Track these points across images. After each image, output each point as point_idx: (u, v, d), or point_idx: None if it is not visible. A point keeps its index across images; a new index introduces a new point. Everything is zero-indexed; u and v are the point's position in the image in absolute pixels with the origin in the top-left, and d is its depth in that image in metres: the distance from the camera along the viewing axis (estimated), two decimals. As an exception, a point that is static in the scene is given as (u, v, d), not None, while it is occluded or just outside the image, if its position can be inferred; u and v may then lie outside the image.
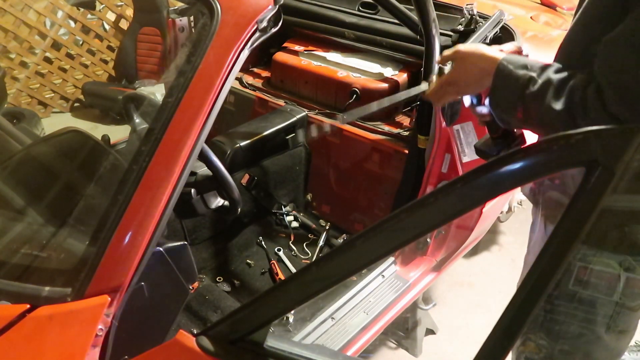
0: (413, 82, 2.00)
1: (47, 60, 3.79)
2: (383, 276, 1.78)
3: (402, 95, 1.20)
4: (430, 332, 2.19)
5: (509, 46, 1.06)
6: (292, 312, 1.60)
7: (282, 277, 1.87)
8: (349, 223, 2.13)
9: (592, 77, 0.78)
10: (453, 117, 1.62)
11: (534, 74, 0.84)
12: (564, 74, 0.82)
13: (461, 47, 0.98)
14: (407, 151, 1.83)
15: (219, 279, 1.86)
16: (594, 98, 0.76)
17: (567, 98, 0.79)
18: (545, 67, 0.85)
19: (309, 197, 2.23)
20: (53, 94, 3.84)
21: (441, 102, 1.11)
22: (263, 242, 2.04)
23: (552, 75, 0.83)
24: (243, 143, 1.87)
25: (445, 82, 1.01)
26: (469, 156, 1.70)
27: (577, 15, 0.91)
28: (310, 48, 2.19)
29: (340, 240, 2.07)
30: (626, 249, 0.87)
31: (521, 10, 2.45)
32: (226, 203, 1.26)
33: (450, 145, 1.68)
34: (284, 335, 1.56)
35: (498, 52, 0.94)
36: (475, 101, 1.07)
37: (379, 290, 1.73)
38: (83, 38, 3.87)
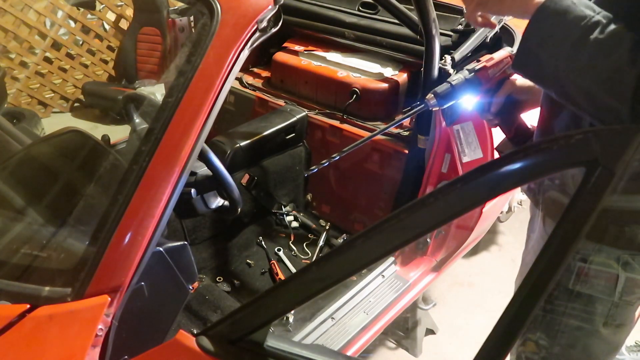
0: (413, 82, 2.00)
1: (47, 60, 3.79)
2: (383, 276, 1.78)
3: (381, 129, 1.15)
4: (430, 332, 2.19)
5: (501, 53, 1.06)
6: (292, 312, 1.60)
7: (282, 277, 1.87)
8: (349, 223, 2.13)
9: None
10: (453, 117, 1.62)
11: (603, 20, 0.73)
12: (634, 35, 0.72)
13: None
14: (407, 151, 1.83)
15: (219, 279, 1.86)
16: None
17: None
18: (609, 16, 0.74)
19: (309, 197, 2.24)
20: (53, 94, 3.85)
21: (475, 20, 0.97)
22: (263, 242, 2.04)
23: (624, 29, 0.72)
24: (243, 143, 1.87)
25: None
26: (469, 156, 1.70)
27: None
28: (310, 48, 2.19)
29: (340, 240, 2.07)
30: (625, 247, 0.87)
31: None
32: (226, 203, 1.26)
33: (450, 145, 1.68)
34: (284, 335, 1.56)
35: None
36: (483, 107, 1.07)
37: (379, 290, 1.73)
38: (83, 38, 3.87)
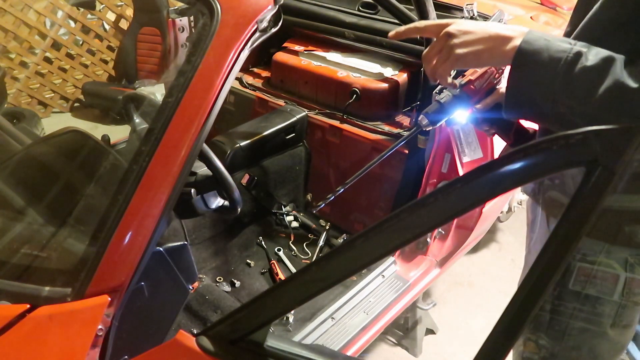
0: (413, 82, 2.00)
1: (47, 60, 3.79)
2: (383, 276, 1.78)
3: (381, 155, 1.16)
4: (430, 332, 2.19)
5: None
6: (292, 312, 1.60)
7: (282, 277, 1.87)
8: (349, 223, 2.13)
9: None
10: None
11: (583, 49, 0.74)
12: (619, 54, 0.73)
13: (453, 27, 0.85)
14: (407, 151, 1.83)
15: (219, 279, 1.86)
16: None
17: None
18: (586, 44, 0.75)
19: (309, 197, 2.24)
20: (53, 94, 3.85)
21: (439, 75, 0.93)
22: (263, 242, 2.04)
23: (607, 52, 0.73)
24: (243, 143, 1.87)
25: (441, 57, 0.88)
26: (469, 156, 1.70)
27: (584, 21, 0.86)
28: (310, 48, 2.19)
29: (340, 240, 2.07)
30: (626, 247, 0.87)
31: (521, 10, 2.45)
32: (226, 203, 1.26)
33: (450, 145, 1.68)
34: (284, 335, 1.56)
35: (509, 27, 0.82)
36: (477, 120, 1.07)
37: (379, 290, 1.73)
38: (83, 38, 3.87)
